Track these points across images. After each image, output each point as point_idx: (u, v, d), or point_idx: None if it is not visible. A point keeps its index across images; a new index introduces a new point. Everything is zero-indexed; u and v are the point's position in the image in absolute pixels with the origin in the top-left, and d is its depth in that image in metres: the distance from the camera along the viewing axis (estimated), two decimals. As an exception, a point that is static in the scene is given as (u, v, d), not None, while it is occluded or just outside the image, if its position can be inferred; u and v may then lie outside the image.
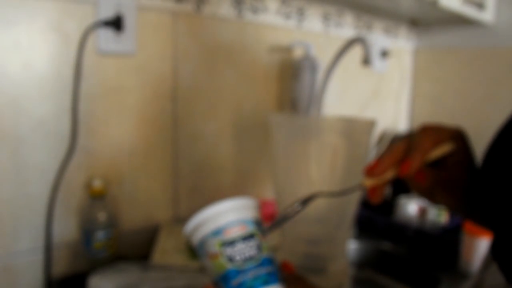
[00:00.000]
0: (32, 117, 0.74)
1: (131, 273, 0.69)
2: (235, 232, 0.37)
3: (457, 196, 0.43)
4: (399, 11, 1.39)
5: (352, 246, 1.05)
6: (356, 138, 0.71)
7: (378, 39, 1.43)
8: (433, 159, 0.41)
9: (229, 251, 0.37)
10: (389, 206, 1.18)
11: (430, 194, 0.44)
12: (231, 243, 0.37)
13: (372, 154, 1.37)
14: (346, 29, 1.32)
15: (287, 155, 0.71)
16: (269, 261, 0.38)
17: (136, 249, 0.89)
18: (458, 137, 0.42)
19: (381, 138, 1.47)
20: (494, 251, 0.36)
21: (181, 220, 0.99)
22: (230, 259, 0.37)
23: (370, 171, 0.41)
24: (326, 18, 1.25)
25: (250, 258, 0.37)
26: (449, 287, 0.85)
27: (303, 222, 0.75)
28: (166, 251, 0.83)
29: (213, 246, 0.37)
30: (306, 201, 0.43)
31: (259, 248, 0.38)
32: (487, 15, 1.36)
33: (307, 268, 0.69)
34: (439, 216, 1.07)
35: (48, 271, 0.77)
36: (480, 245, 0.86)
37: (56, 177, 0.77)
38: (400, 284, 0.99)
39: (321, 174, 0.64)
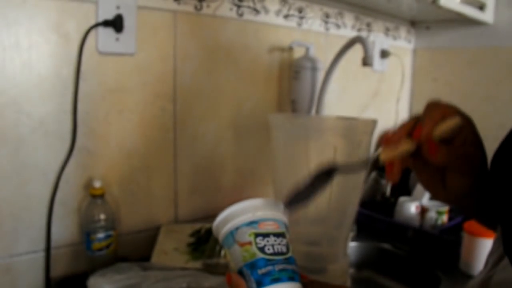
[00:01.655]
0: (32, 117, 0.74)
1: (131, 273, 0.68)
2: (269, 226, 0.39)
3: (470, 177, 0.43)
4: (399, 11, 1.39)
5: (352, 246, 1.05)
6: (356, 138, 0.71)
7: (378, 39, 1.43)
8: (443, 132, 0.40)
9: (261, 242, 0.38)
10: (389, 206, 1.18)
11: (441, 176, 0.44)
12: (264, 235, 0.39)
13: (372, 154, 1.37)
14: (346, 29, 1.32)
15: (287, 155, 0.71)
16: (294, 261, 0.40)
17: (136, 250, 0.89)
18: (464, 116, 0.42)
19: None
20: (506, 246, 0.36)
21: (181, 220, 0.99)
22: (261, 249, 0.38)
23: (386, 140, 0.42)
24: (326, 18, 1.25)
25: (279, 253, 0.39)
26: (449, 287, 0.84)
27: (303, 222, 0.74)
28: (166, 251, 0.83)
29: (246, 235, 0.39)
30: (323, 174, 0.44)
31: (288, 247, 0.40)
32: (487, 15, 1.36)
33: (307, 268, 0.69)
34: (439, 216, 1.07)
35: (48, 271, 0.77)
36: (480, 245, 0.86)
37: (56, 177, 0.77)
38: (400, 284, 0.99)
39: (321, 174, 0.64)
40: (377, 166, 0.43)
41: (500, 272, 0.39)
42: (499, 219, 0.38)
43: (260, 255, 0.38)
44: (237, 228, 0.39)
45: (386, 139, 0.43)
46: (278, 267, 0.38)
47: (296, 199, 0.43)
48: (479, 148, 0.43)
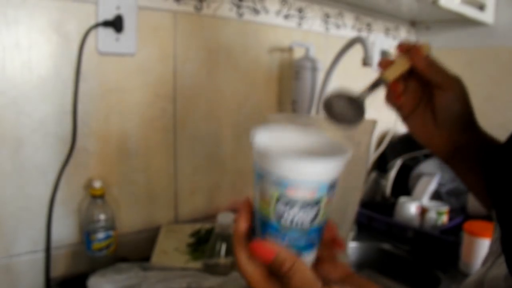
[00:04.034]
0: (32, 118, 0.74)
1: (131, 273, 0.69)
2: (300, 194, 0.32)
3: (457, 102, 0.48)
4: (399, 11, 1.39)
5: (352, 246, 1.05)
6: (356, 138, 0.71)
7: (378, 39, 1.43)
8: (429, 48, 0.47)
9: (281, 208, 0.33)
10: (389, 206, 1.18)
11: (431, 107, 0.48)
12: (288, 203, 0.33)
13: (372, 155, 1.37)
14: (346, 29, 1.32)
15: (287, 156, 0.71)
16: (316, 231, 0.35)
17: (136, 250, 0.89)
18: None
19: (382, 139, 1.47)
20: (504, 244, 0.36)
21: (181, 220, 0.99)
22: (279, 216, 0.33)
23: (384, 61, 0.47)
24: (326, 18, 1.25)
25: (297, 226, 0.33)
26: (449, 287, 0.85)
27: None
28: (166, 251, 0.83)
29: (270, 191, 0.33)
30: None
31: (315, 217, 0.34)
32: (487, 15, 1.36)
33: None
34: (439, 216, 1.07)
35: (48, 272, 0.77)
36: (480, 245, 0.86)
37: (56, 178, 0.77)
38: (400, 284, 0.99)
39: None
40: (378, 85, 0.46)
41: (495, 269, 0.39)
42: (498, 218, 0.38)
43: (273, 221, 0.33)
44: (264, 176, 0.33)
45: (384, 60, 0.47)
46: (287, 241, 0.34)
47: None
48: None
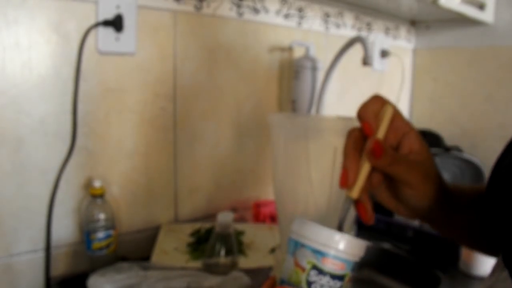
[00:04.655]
0: (32, 117, 0.74)
1: (131, 273, 0.69)
2: (332, 266, 0.36)
3: (420, 188, 0.40)
4: (399, 11, 1.39)
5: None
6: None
7: (378, 39, 1.43)
8: (385, 127, 0.39)
9: (314, 277, 0.36)
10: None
11: (395, 192, 0.42)
12: (321, 272, 0.36)
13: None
14: (346, 29, 1.32)
15: (287, 155, 0.71)
16: None
17: (136, 250, 0.89)
18: (388, 102, 0.40)
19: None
20: (506, 259, 0.36)
21: (181, 220, 0.99)
22: (309, 283, 0.36)
23: (344, 180, 0.38)
24: (326, 18, 1.25)
25: None
26: (449, 287, 0.85)
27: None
28: (166, 251, 0.83)
29: (305, 259, 0.36)
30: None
31: None
32: (487, 15, 1.36)
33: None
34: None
35: (48, 271, 0.77)
36: (480, 245, 0.86)
37: (56, 177, 0.77)
38: (400, 284, 0.99)
39: (321, 174, 0.64)
40: (349, 206, 0.40)
41: (500, 283, 0.39)
42: (498, 232, 0.37)
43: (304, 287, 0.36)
44: (303, 245, 0.37)
45: (344, 179, 0.38)
46: None
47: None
48: (425, 157, 0.41)
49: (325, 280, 0.36)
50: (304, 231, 0.37)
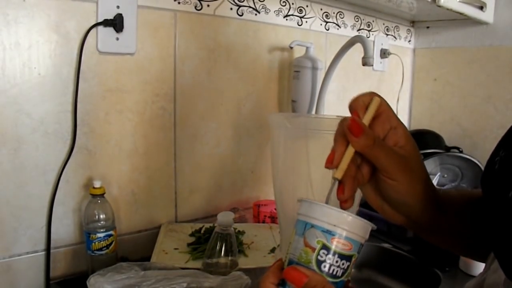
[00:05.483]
0: (33, 117, 0.74)
1: (131, 273, 0.68)
2: (341, 245, 0.37)
3: (404, 182, 0.40)
4: (399, 11, 1.39)
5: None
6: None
7: (378, 39, 1.43)
8: (372, 114, 0.40)
9: (323, 256, 0.37)
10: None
11: (380, 189, 0.42)
12: (330, 251, 0.37)
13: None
14: (346, 29, 1.32)
15: (287, 155, 0.71)
16: (341, 285, 0.38)
17: (136, 250, 0.89)
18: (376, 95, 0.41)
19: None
20: (496, 249, 0.36)
21: (181, 220, 0.99)
22: (319, 262, 0.37)
23: (329, 161, 0.39)
24: (326, 18, 1.25)
25: (331, 275, 0.37)
26: (449, 287, 0.85)
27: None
28: (166, 251, 0.83)
29: (315, 239, 0.37)
30: None
31: (345, 272, 0.38)
32: (487, 15, 1.36)
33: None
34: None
35: (48, 271, 0.77)
36: (480, 245, 0.86)
37: (56, 177, 0.77)
38: (400, 284, 0.99)
39: (321, 174, 0.64)
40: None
41: (491, 274, 0.39)
42: (491, 232, 0.37)
43: (313, 266, 0.37)
44: (312, 226, 0.37)
45: (330, 160, 0.39)
46: None
47: None
48: (410, 153, 0.41)
49: (334, 259, 0.37)
50: (313, 212, 0.38)
